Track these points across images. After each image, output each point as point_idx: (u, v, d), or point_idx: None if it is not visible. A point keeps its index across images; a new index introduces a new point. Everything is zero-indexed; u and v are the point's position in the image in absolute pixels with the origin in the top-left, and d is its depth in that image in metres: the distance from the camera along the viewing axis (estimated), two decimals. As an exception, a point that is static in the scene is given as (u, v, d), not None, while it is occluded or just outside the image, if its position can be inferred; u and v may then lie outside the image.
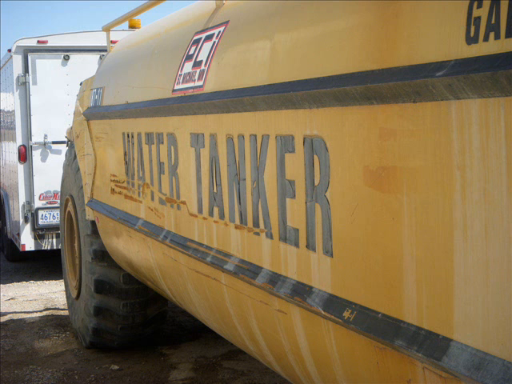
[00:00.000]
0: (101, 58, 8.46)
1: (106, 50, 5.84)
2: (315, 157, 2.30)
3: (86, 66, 8.64)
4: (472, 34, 1.61)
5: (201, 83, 3.22)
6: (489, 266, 1.64)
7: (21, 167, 8.96)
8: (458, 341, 1.73)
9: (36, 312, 7.49)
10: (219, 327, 3.65)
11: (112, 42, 5.79)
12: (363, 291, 2.11)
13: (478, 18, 1.59)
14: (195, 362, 5.68)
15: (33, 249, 9.04)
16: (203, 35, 3.39)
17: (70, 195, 6.18)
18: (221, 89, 3.00)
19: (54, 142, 8.95)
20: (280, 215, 2.56)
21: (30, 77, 8.89)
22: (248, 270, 2.81)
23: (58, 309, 7.58)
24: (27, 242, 9.00)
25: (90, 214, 5.53)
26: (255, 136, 2.71)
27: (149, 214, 4.13)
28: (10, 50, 9.18)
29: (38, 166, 8.96)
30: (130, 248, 4.71)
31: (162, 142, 3.79)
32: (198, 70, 3.29)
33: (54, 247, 9.02)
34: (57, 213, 8.89)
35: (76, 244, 6.16)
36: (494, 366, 1.62)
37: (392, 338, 1.94)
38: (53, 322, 7.03)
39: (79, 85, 6.22)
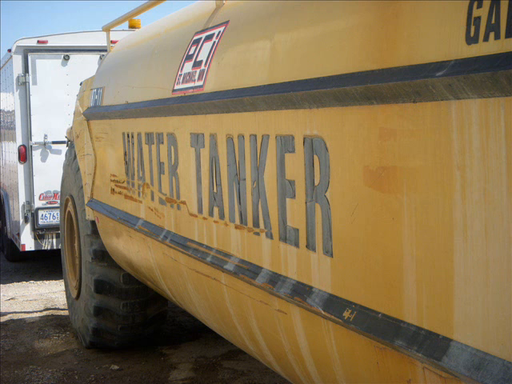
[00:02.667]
0: (101, 58, 8.46)
1: (106, 50, 5.84)
2: (315, 157, 2.30)
3: (86, 66, 8.64)
4: (472, 34, 1.61)
5: (201, 83, 3.22)
6: (489, 266, 1.64)
7: (21, 167, 8.96)
8: (458, 341, 1.73)
9: (36, 312, 7.49)
10: (219, 327, 3.65)
11: (112, 42, 5.79)
12: (363, 291, 2.11)
13: (478, 18, 1.59)
14: (195, 362, 5.68)
15: (33, 249, 9.04)
16: (203, 35, 3.39)
17: (70, 195, 6.18)
18: (221, 89, 3.00)
19: (54, 142, 8.95)
20: (280, 215, 2.56)
21: (30, 77, 8.89)
22: (248, 270, 2.81)
23: (58, 309, 7.58)
24: (27, 242, 9.00)
25: (89, 214, 5.53)
26: (255, 136, 2.71)
27: (149, 213, 4.13)
28: (10, 50, 9.18)
29: (38, 166, 8.96)
30: (130, 248, 4.71)
31: (162, 142, 3.79)
32: (197, 70, 3.29)
33: (54, 247, 9.02)
34: (57, 213, 8.89)
35: (76, 244, 6.16)
36: (494, 366, 1.62)
37: (392, 338, 1.94)
38: (53, 322, 7.03)
39: (79, 85, 6.22)
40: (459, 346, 1.73)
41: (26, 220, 8.97)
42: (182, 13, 4.21)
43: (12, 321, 7.16)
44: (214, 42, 3.19)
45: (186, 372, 5.47)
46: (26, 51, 8.88)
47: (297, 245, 2.46)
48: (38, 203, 8.97)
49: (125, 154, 4.54)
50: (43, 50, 8.94)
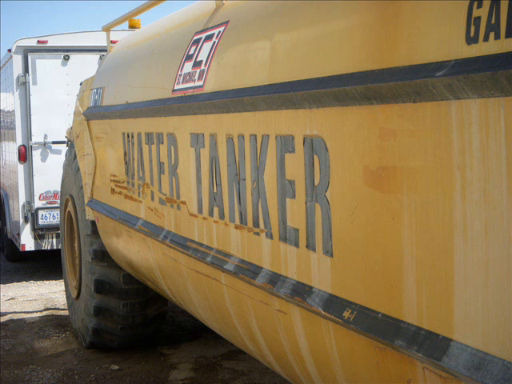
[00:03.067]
0: (101, 58, 8.46)
1: (106, 50, 5.85)
2: (315, 157, 2.30)
3: (86, 66, 8.64)
4: (472, 34, 1.61)
5: (201, 83, 3.22)
6: (489, 266, 1.64)
7: (21, 167, 8.96)
8: (458, 341, 1.73)
9: (36, 312, 7.49)
10: (219, 327, 3.65)
11: (112, 42, 5.79)
12: (363, 291, 2.11)
13: (478, 18, 1.59)
14: (195, 362, 5.68)
15: (33, 249, 9.04)
16: (203, 35, 3.39)
17: (70, 195, 6.18)
18: (221, 89, 3.00)
19: (54, 142, 8.95)
20: (280, 215, 2.56)
21: (30, 77, 8.89)
22: (248, 270, 2.81)
23: (58, 309, 7.58)
24: (27, 242, 9.00)
25: (89, 214, 5.53)
26: (255, 136, 2.71)
27: (149, 214, 4.13)
28: (10, 50, 9.18)
29: (38, 166, 8.96)
30: (130, 248, 4.71)
31: (162, 142, 3.79)
32: (197, 70, 3.29)
33: (54, 247, 9.02)
34: (57, 213, 8.89)
35: (76, 244, 6.16)
36: (494, 366, 1.62)
37: (392, 337, 1.94)
38: (53, 322, 7.03)
39: (79, 85, 6.22)
40: (459, 346, 1.73)
41: (26, 220, 8.97)
42: (182, 13, 4.21)
43: (12, 321, 7.17)
44: (214, 42, 3.19)
45: (186, 372, 5.47)
46: (26, 51, 8.88)
47: (297, 245, 2.46)
48: (38, 203, 8.97)
49: (125, 154, 4.54)
50: (43, 49, 8.94)
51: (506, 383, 1.57)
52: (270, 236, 2.66)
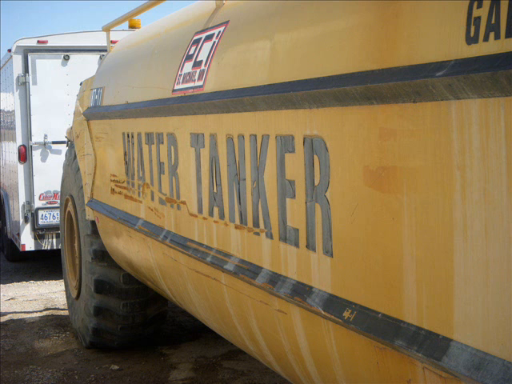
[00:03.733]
0: (101, 58, 8.46)
1: (106, 50, 5.85)
2: (315, 157, 2.30)
3: (86, 66, 8.64)
4: (472, 34, 1.61)
5: (201, 83, 3.22)
6: (489, 266, 1.64)
7: (21, 167, 8.96)
8: (458, 341, 1.73)
9: (36, 312, 7.49)
10: (219, 327, 3.65)
11: (112, 42, 5.79)
12: (363, 291, 2.11)
13: (478, 18, 1.59)
14: (195, 362, 5.68)
15: (33, 249, 9.04)
16: (203, 35, 3.39)
17: (70, 195, 6.18)
18: (221, 89, 3.00)
19: (54, 142, 8.95)
20: (280, 215, 2.56)
21: (30, 77, 8.89)
22: (248, 270, 2.81)
23: (58, 309, 7.58)
24: (27, 242, 9.00)
25: (89, 214, 5.53)
26: (255, 136, 2.71)
27: (149, 213, 4.13)
28: (10, 50, 9.18)
29: (38, 166, 8.96)
30: (130, 248, 4.71)
31: (162, 142, 3.79)
32: (198, 70, 3.29)
33: (54, 247, 9.02)
34: (57, 213, 8.89)
35: (76, 244, 6.16)
36: (494, 366, 1.62)
37: (392, 337, 1.94)
38: (53, 322, 7.03)
39: (79, 85, 6.22)
40: (459, 346, 1.73)
41: (26, 220, 8.97)
42: (182, 13, 4.21)
43: (12, 321, 7.17)
44: (214, 42, 3.19)
45: (186, 372, 5.47)
46: (26, 51, 8.88)
47: (297, 245, 2.46)
48: (38, 203, 8.97)
49: (125, 154, 4.54)
50: (43, 50, 8.94)
51: (506, 383, 1.57)
52: (269, 236, 2.66)
